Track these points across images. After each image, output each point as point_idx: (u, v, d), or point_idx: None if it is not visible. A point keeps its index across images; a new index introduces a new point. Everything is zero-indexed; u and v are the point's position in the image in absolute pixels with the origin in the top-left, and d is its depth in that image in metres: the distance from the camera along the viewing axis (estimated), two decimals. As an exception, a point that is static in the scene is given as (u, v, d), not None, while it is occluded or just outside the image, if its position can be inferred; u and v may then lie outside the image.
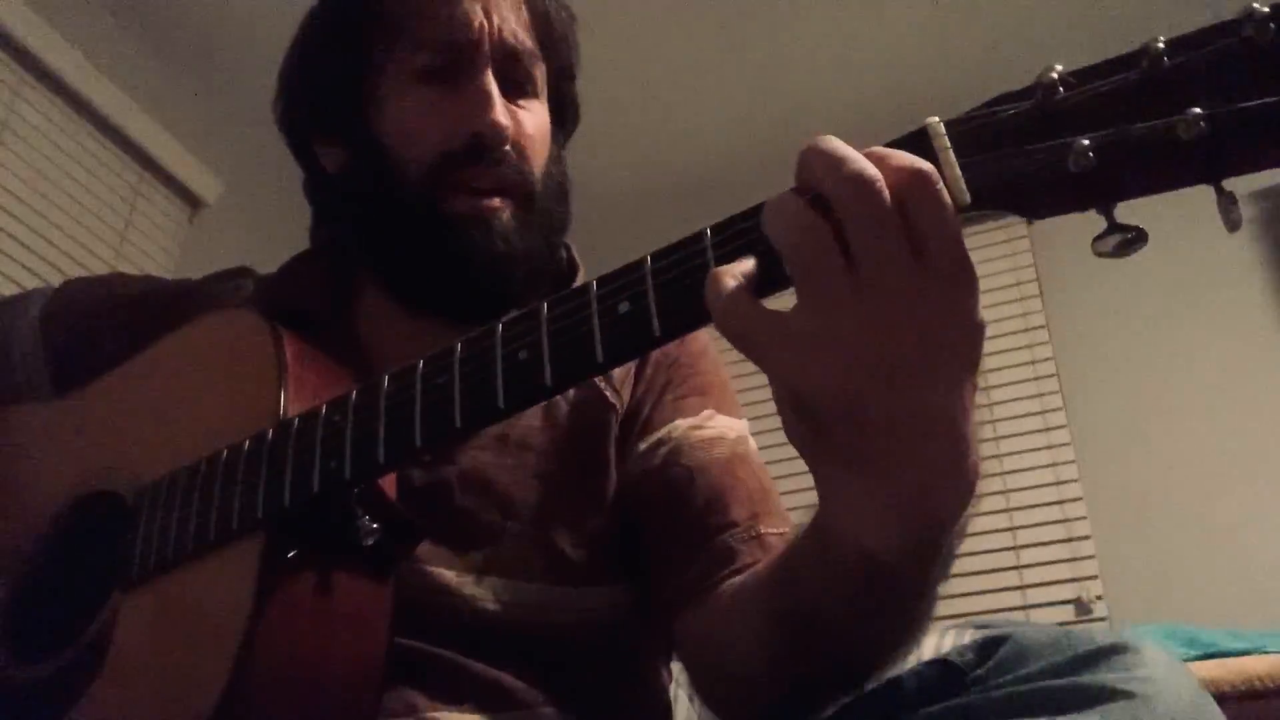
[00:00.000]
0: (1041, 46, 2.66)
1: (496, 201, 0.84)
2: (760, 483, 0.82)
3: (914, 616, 0.60)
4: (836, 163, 0.46)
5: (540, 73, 0.91)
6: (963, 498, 0.51)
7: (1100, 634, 0.57)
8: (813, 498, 0.55)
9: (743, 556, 0.76)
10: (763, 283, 0.49)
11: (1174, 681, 0.54)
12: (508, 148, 0.84)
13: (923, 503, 0.50)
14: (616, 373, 0.88)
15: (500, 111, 0.84)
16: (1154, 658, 0.55)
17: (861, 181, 0.45)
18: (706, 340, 0.93)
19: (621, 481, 0.85)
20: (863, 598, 0.56)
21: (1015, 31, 2.65)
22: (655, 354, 0.90)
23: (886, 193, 0.45)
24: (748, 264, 0.49)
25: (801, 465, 0.51)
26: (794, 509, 0.67)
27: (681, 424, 0.85)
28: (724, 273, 0.48)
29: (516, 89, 0.88)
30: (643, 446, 0.85)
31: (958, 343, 0.47)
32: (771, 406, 0.50)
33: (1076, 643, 0.56)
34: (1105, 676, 0.53)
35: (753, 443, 0.87)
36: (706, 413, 0.86)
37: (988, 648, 0.60)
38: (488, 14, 0.86)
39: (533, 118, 0.89)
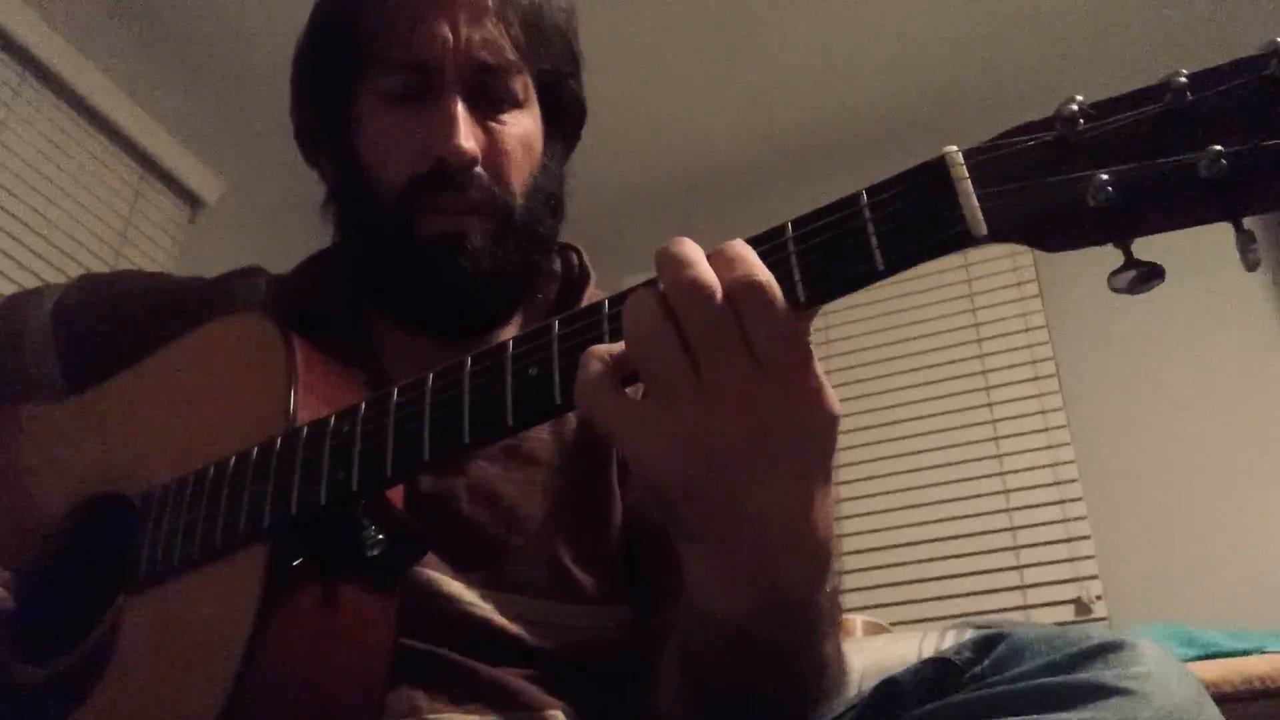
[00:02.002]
0: (1042, 48, 2.66)
1: (468, 220, 0.83)
2: None
3: (798, 676, 0.61)
4: (678, 267, 0.49)
5: (522, 82, 0.88)
6: (808, 570, 0.54)
7: (1096, 631, 0.57)
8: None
9: None
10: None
11: (1170, 678, 0.54)
12: (477, 170, 0.83)
13: (763, 575, 0.53)
14: None
15: (463, 135, 0.82)
16: (1150, 654, 0.55)
17: (697, 288, 0.48)
18: None
19: (623, 505, 0.85)
20: (732, 659, 0.59)
21: (1017, 32, 2.65)
22: None
23: (719, 299, 0.48)
24: (620, 347, 0.52)
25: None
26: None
27: None
28: (593, 354, 0.52)
29: (492, 104, 0.86)
30: None
31: (793, 437, 0.50)
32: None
33: (1073, 640, 0.57)
34: (1101, 673, 0.54)
35: None
36: None
37: (984, 646, 0.60)
38: (455, 30, 0.84)
39: (512, 130, 0.87)
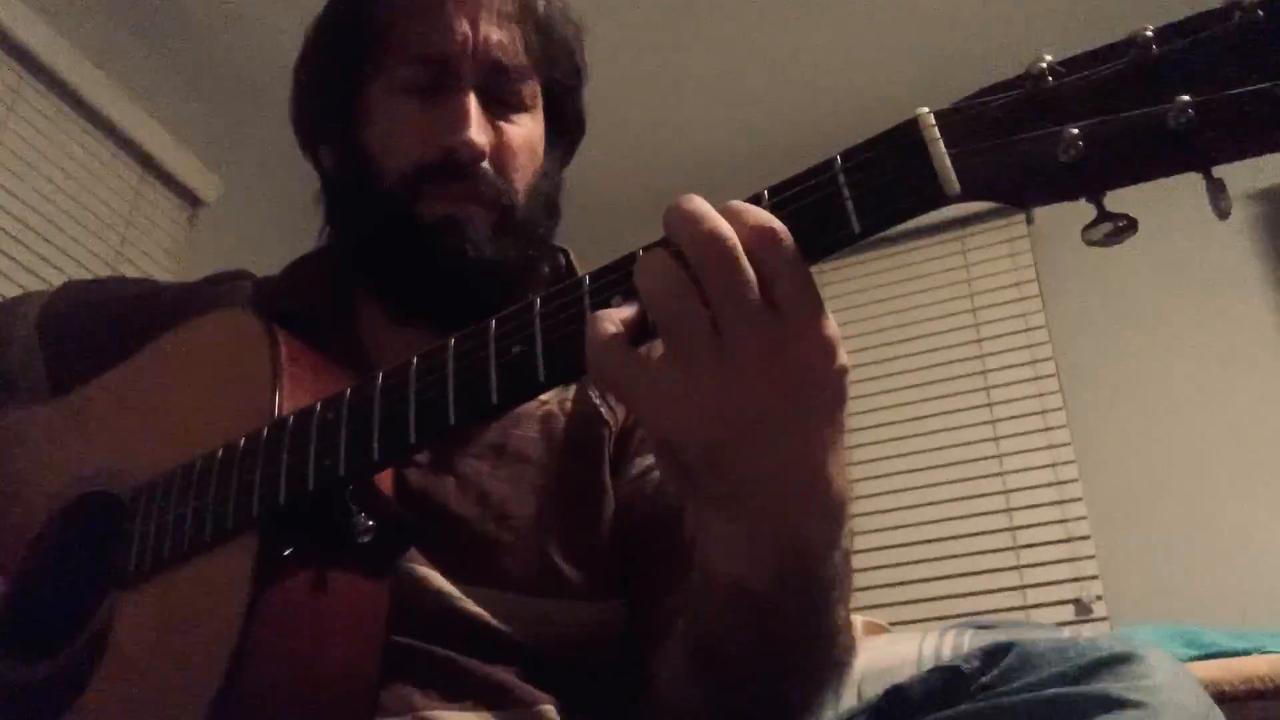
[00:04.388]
0: (1035, 47, 2.66)
1: (471, 208, 0.85)
2: None
3: (813, 642, 0.61)
4: (693, 221, 0.48)
5: (531, 87, 0.90)
6: (826, 526, 0.54)
7: (1107, 642, 0.57)
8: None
9: None
10: (642, 330, 0.51)
11: (1180, 690, 0.54)
12: (484, 164, 0.85)
13: (785, 534, 0.53)
14: None
15: (475, 129, 0.84)
16: (1160, 666, 0.55)
17: (714, 239, 0.47)
18: None
19: (615, 501, 0.84)
20: (747, 627, 0.58)
21: (1014, 33, 2.65)
22: None
23: (739, 249, 0.47)
24: (629, 310, 0.51)
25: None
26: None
27: None
28: (602, 318, 0.51)
29: (502, 103, 0.88)
30: (635, 470, 0.85)
31: (815, 391, 0.50)
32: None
33: (1083, 651, 0.56)
34: (1112, 685, 0.53)
35: None
36: None
37: (993, 654, 0.60)
38: (474, 28, 0.86)
39: (519, 131, 0.89)
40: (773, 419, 0.49)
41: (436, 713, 0.71)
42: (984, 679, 0.59)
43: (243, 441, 0.69)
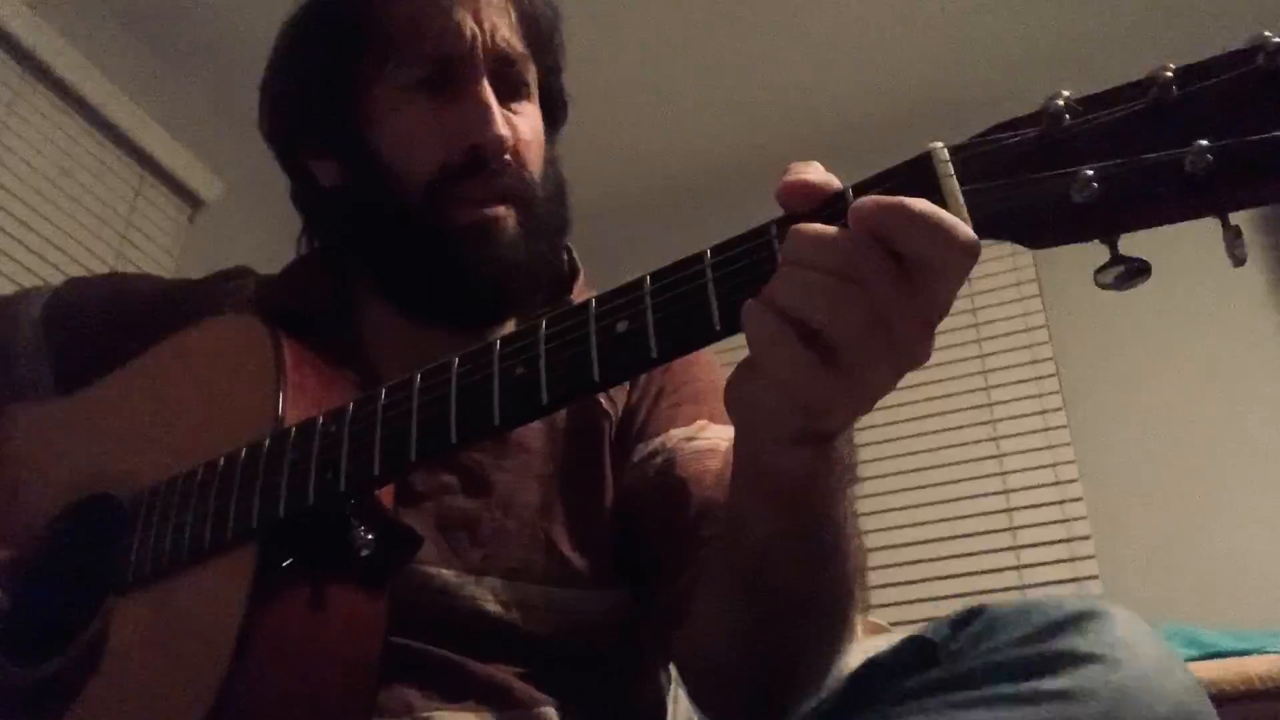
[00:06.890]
0: (1039, 51, 2.66)
1: (500, 209, 0.84)
2: None
3: (840, 559, 0.63)
4: (822, 247, 0.47)
5: (532, 75, 0.90)
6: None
7: (1071, 601, 0.58)
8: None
9: None
10: None
11: (1143, 644, 0.54)
12: (507, 157, 0.84)
13: (830, 427, 0.54)
14: None
15: (499, 122, 0.83)
16: (1123, 621, 0.56)
17: (866, 265, 0.46)
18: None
19: (617, 488, 0.85)
20: (791, 530, 0.60)
21: (1012, 37, 2.65)
22: None
23: (891, 264, 0.46)
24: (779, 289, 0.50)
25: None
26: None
27: (676, 434, 0.85)
28: (764, 306, 0.50)
29: (511, 93, 0.88)
30: (637, 456, 0.85)
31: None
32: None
33: (1047, 611, 0.57)
34: (1075, 641, 0.54)
35: None
36: (700, 423, 0.85)
37: (961, 622, 0.61)
38: (479, 22, 0.85)
39: (528, 122, 0.89)
40: (885, 386, 0.50)
41: (436, 713, 0.72)
42: (952, 646, 0.59)
43: (244, 452, 0.69)
